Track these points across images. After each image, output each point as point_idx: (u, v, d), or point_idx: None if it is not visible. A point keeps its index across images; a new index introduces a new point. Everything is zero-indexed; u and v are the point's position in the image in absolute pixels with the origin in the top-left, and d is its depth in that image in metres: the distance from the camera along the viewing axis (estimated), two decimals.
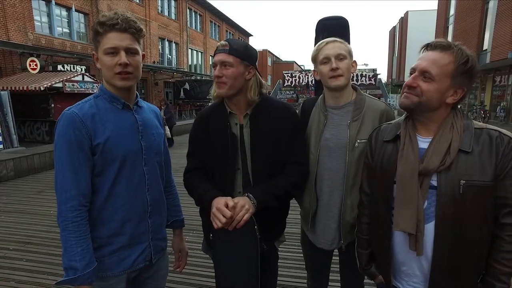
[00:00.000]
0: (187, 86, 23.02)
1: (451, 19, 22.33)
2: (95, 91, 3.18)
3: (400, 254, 1.26)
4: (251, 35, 41.88)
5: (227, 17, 33.37)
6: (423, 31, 35.87)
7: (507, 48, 14.45)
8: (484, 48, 17.59)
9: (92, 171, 1.27)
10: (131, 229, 1.35)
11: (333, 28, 1.88)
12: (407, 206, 1.15)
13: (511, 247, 1.10)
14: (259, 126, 1.51)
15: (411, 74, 1.19)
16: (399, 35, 48.27)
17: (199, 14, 28.58)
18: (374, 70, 33.27)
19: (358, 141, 1.54)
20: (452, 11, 22.28)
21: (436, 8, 25.83)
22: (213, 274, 1.62)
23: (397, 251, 1.27)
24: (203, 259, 3.23)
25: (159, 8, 22.57)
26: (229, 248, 1.44)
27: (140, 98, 1.45)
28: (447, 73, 1.12)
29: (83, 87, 11.14)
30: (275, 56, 57.62)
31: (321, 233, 1.68)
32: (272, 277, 1.72)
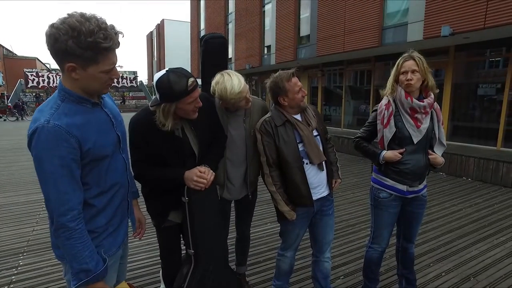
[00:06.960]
0: None
1: (202, 32, 24.85)
2: None
3: (313, 178, 2.09)
4: None
5: None
6: (178, 38, 39.92)
7: (244, 61, 17.35)
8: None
9: (82, 172, 1.27)
10: (122, 209, 1.48)
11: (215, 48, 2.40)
12: (313, 149, 2.05)
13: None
14: (197, 120, 1.80)
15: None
16: (157, 40, 49.88)
17: None
18: (134, 73, 32.24)
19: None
20: (202, 25, 24.81)
21: (189, 20, 28.09)
22: None
23: (311, 179, 2.07)
24: None
25: None
26: (202, 203, 1.83)
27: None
28: None
29: None
30: (7, 49, 44.50)
31: (233, 188, 2.34)
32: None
